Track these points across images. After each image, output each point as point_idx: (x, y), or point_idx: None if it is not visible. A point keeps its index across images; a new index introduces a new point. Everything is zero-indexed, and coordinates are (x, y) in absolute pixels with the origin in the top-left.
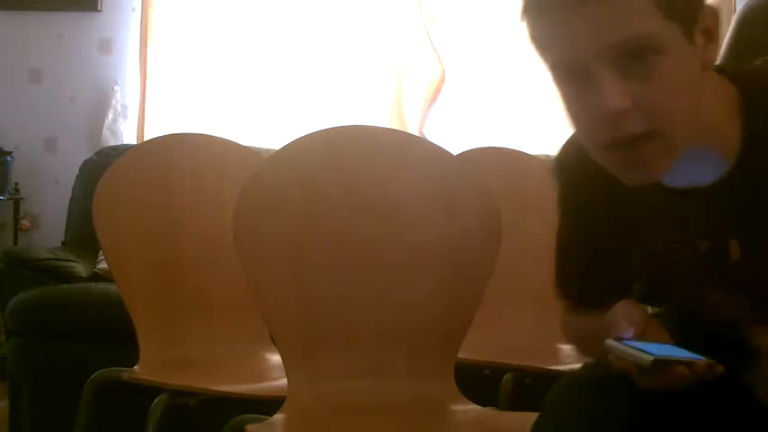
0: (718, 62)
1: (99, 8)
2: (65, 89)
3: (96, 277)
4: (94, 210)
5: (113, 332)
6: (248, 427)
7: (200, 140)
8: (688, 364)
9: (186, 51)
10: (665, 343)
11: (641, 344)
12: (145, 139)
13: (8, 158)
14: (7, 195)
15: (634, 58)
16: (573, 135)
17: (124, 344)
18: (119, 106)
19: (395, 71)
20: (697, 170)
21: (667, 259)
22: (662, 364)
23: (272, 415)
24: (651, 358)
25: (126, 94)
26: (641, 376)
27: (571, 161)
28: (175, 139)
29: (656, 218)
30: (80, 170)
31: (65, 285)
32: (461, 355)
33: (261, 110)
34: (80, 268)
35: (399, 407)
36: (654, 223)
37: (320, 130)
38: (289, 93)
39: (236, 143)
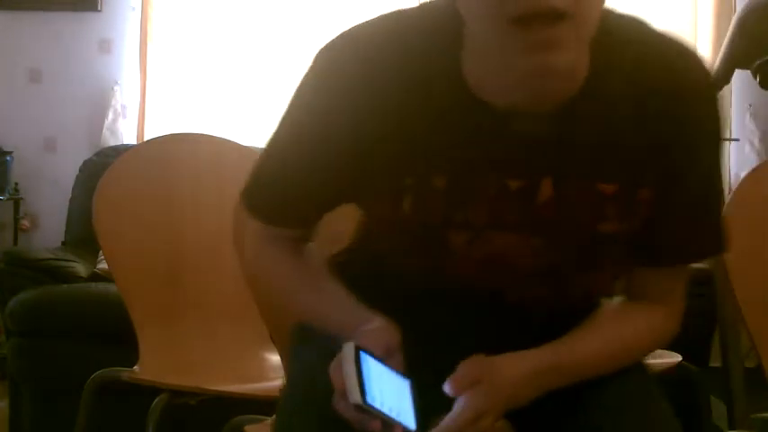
0: (718, 63)
1: (99, 8)
2: (65, 89)
3: (96, 277)
4: (94, 210)
5: (113, 332)
6: (247, 427)
7: (199, 140)
8: (386, 424)
9: (186, 51)
10: (401, 376)
11: (378, 368)
12: (145, 139)
13: (8, 158)
14: (7, 195)
15: None
16: (358, 29)
17: (124, 344)
18: (119, 106)
19: None
20: (541, 95)
21: (451, 195)
22: (363, 410)
23: (271, 415)
24: (358, 400)
25: (126, 94)
26: (341, 401)
27: (354, 55)
28: (175, 139)
29: (455, 143)
30: (80, 170)
31: (65, 285)
32: None
33: (261, 110)
34: (80, 268)
35: None
36: (448, 148)
37: None
38: (289, 93)
39: (236, 143)
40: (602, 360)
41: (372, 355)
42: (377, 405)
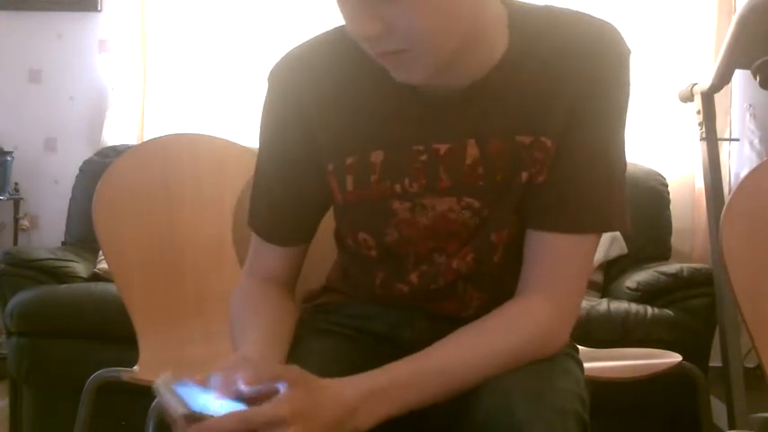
0: (718, 62)
1: (99, 8)
2: (65, 89)
3: (96, 277)
4: (94, 210)
5: (113, 332)
6: None
7: (200, 140)
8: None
9: (186, 51)
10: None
11: (197, 390)
12: (145, 139)
13: (8, 158)
14: (7, 195)
15: None
16: (298, 47)
17: (124, 344)
18: (118, 106)
19: None
20: (457, 75)
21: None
22: (194, 418)
23: None
24: (184, 411)
25: (126, 94)
26: (176, 428)
27: (296, 68)
28: (175, 139)
29: (385, 120)
30: (80, 170)
31: (65, 285)
32: None
33: (260, 110)
34: (80, 268)
35: None
36: (380, 126)
37: None
38: None
39: (236, 143)
40: (454, 371)
41: (190, 384)
42: (206, 412)
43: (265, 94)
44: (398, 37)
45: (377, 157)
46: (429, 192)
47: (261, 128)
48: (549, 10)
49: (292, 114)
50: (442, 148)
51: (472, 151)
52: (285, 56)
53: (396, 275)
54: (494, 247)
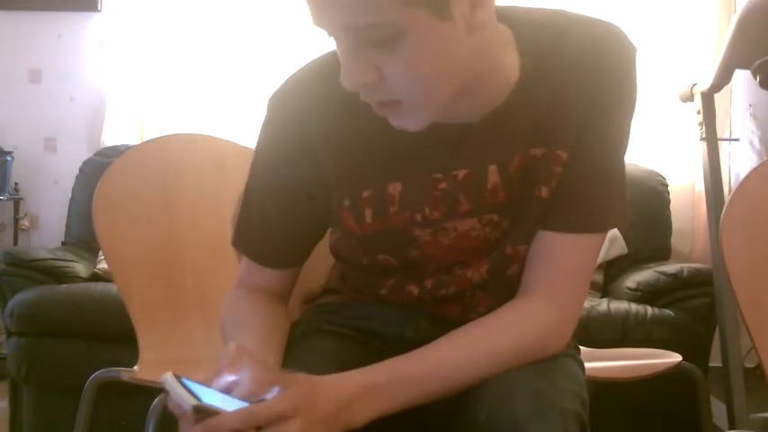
0: (719, 60)
1: (99, 8)
2: (65, 89)
3: (96, 277)
4: (94, 210)
5: (113, 332)
6: None
7: (200, 140)
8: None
9: (186, 51)
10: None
11: (203, 387)
12: (145, 139)
13: (8, 158)
14: (7, 195)
15: (376, 37)
16: (301, 71)
17: (124, 344)
18: (119, 106)
19: None
20: (472, 107)
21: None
22: (205, 411)
23: None
24: (193, 402)
25: (126, 94)
26: (183, 422)
27: (299, 95)
28: (175, 139)
29: (402, 151)
30: (80, 170)
31: (65, 285)
32: None
33: (260, 110)
34: (80, 268)
35: None
36: (396, 157)
37: None
38: None
39: (236, 143)
40: (452, 369)
41: (193, 381)
42: (215, 404)
43: (264, 119)
44: (392, 87)
45: (394, 188)
46: (450, 216)
47: (258, 153)
48: (551, 20)
49: (295, 145)
50: (461, 173)
51: (493, 178)
52: (287, 81)
53: (410, 280)
54: (508, 259)
